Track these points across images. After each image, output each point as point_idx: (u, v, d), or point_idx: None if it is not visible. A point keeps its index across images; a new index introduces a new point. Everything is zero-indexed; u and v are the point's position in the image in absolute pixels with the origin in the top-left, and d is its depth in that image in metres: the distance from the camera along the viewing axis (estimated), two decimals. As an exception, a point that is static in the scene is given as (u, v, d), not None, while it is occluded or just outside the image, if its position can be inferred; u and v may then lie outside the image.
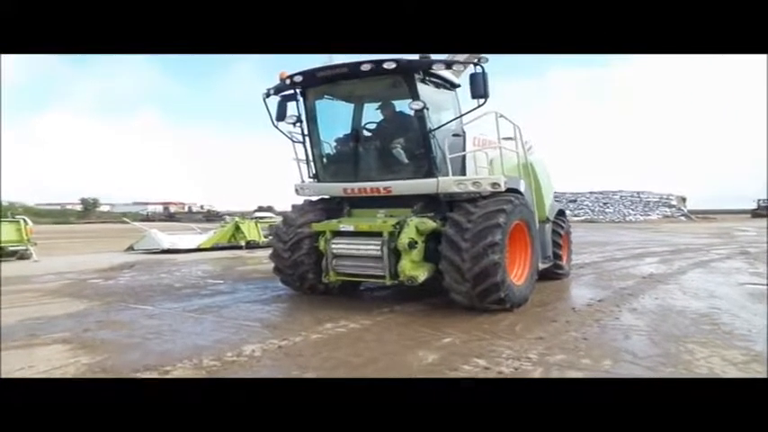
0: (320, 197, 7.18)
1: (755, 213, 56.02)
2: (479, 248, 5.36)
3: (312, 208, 6.95)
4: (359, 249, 5.95)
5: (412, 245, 5.61)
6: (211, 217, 51.95)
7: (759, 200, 59.85)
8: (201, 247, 15.11)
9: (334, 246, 6.10)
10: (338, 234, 6.15)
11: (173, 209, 76.01)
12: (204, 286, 8.10)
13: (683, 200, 57.26)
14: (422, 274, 5.67)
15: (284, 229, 6.78)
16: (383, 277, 5.79)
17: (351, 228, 6.03)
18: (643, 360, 3.98)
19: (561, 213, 8.56)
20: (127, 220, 21.87)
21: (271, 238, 16.98)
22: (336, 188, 6.58)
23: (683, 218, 47.71)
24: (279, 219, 18.54)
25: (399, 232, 5.71)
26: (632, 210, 48.51)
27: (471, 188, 5.85)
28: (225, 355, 4.19)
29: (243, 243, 15.79)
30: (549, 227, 7.77)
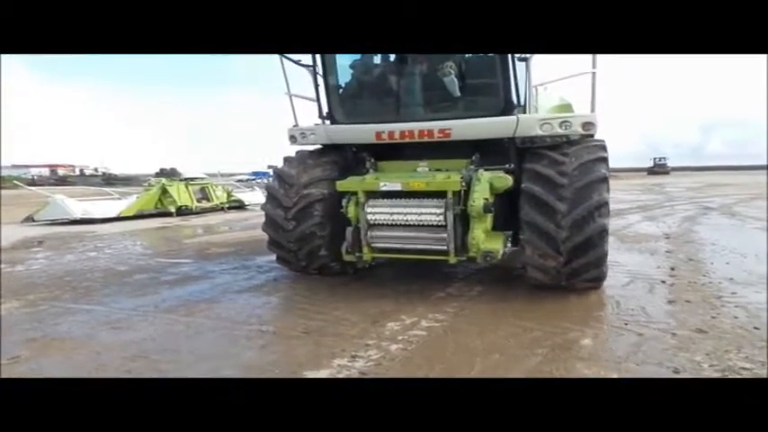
0: (318, 147, 5.41)
1: (651, 171, 60.75)
2: (583, 211, 4.01)
3: (318, 161, 5.16)
4: (409, 216, 4.35)
5: (488, 208, 4.13)
6: (111, 180, 46.60)
7: (654, 158, 64.94)
8: (122, 215, 12.49)
9: (370, 211, 4.45)
10: (375, 195, 4.51)
11: (61, 171, 67.96)
12: (159, 269, 6.07)
13: (591, 158, 60.33)
14: (501, 248, 4.24)
15: (282, 191, 4.96)
16: (446, 253, 4.28)
17: (398, 186, 4.38)
18: None
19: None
20: (19, 183, 18.02)
21: (205, 201, 14.89)
22: (365, 131, 4.82)
23: (593, 175, 50.12)
24: (213, 180, 16.20)
25: (466, 191, 4.21)
26: (549, 168, 50.02)
27: (559, 130, 4.42)
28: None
29: (173, 209, 13.37)
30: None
